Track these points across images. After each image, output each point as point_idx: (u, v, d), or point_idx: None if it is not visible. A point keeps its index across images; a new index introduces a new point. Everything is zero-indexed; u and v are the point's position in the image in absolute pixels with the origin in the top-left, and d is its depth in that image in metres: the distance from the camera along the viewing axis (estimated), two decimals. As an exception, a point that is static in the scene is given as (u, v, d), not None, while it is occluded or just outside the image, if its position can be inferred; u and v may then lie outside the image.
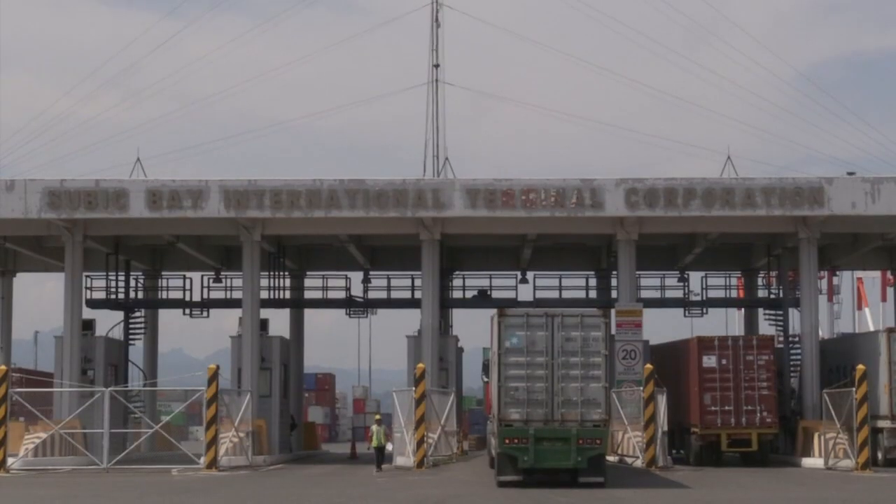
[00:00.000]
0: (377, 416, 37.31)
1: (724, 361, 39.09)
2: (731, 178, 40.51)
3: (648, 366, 36.69)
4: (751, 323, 53.72)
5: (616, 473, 32.32)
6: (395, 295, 51.11)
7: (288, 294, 50.35)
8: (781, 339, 47.20)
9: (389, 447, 37.71)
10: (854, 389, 34.34)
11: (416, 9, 50.90)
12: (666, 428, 37.41)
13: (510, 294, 49.62)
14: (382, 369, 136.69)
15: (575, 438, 27.72)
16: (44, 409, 40.59)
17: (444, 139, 48.46)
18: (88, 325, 44.79)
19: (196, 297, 50.72)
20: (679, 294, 50.03)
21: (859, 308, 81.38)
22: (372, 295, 51.75)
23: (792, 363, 44.80)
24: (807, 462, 37.78)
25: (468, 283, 50.94)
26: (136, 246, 48.80)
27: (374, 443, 35.43)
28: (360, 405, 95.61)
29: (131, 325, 49.59)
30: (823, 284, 70.64)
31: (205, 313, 50.66)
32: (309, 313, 53.85)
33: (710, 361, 39.16)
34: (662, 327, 61.34)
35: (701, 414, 39.03)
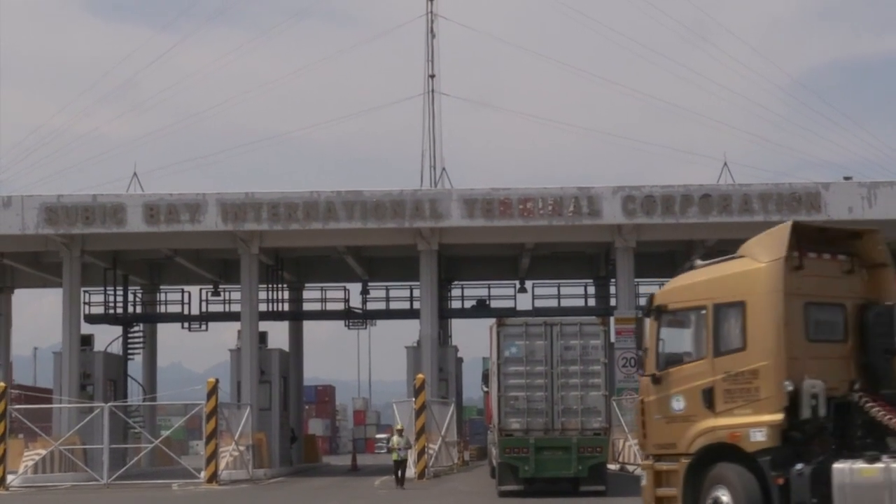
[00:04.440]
0: (398, 427, 35.04)
1: None
2: (728, 185, 40.51)
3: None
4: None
5: (617, 482, 32.20)
6: (393, 306, 51.10)
7: (286, 306, 50.30)
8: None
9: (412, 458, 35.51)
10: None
11: (411, 20, 50.85)
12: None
13: (509, 303, 49.60)
14: (382, 380, 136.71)
15: (576, 447, 27.67)
16: (43, 426, 40.51)
17: (440, 149, 48.34)
18: (87, 341, 44.72)
19: (195, 311, 50.72)
20: (678, 301, 49.87)
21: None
22: (371, 306, 51.79)
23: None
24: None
25: (467, 292, 50.93)
26: (133, 260, 48.76)
27: (395, 455, 33.54)
28: (361, 417, 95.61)
29: (130, 340, 49.55)
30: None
31: (203, 327, 50.65)
32: (308, 325, 53.87)
33: None
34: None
35: None
